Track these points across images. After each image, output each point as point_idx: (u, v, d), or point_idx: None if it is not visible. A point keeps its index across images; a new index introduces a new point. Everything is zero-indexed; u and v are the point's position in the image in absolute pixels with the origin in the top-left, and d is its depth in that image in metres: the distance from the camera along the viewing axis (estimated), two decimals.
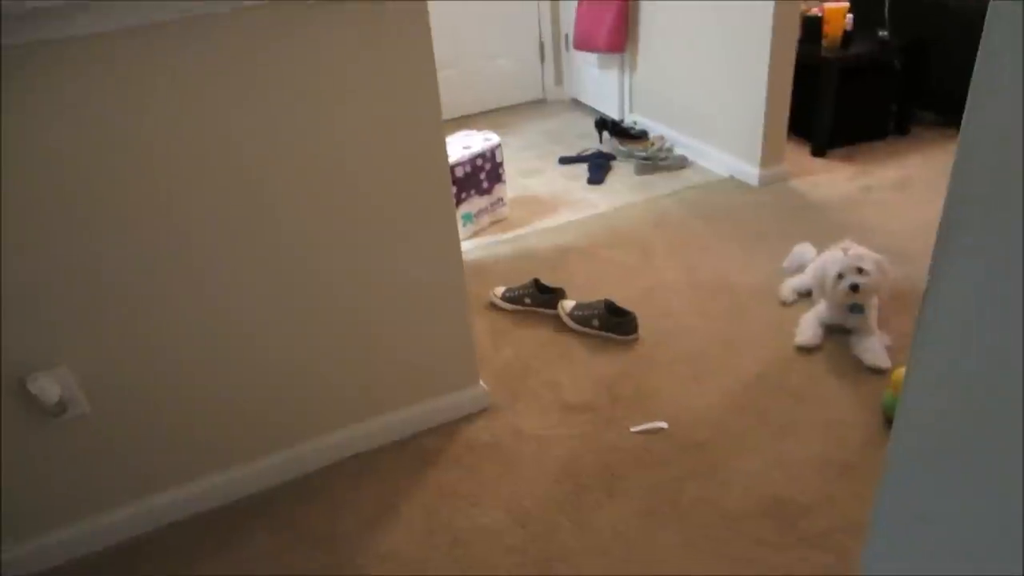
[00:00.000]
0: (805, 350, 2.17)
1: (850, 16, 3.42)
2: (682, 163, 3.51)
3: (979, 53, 0.52)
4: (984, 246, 0.54)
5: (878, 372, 2.05)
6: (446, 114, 2.28)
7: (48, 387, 1.51)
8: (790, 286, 2.44)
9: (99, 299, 1.52)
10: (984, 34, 0.51)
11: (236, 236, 1.58)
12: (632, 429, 1.93)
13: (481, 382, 2.05)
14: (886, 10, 3.71)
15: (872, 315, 2.17)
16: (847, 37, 3.41)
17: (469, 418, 2.03)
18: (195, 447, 1.76)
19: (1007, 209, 0.52)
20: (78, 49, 1.31)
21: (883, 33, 3.49)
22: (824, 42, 3.41)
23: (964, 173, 0.55)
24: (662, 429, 1.93)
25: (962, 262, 0.57)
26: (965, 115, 0.54)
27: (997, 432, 0.57)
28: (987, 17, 0.51)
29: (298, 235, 1.64)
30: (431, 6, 1.58)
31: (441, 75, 1.74)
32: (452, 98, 4.29)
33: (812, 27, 3.43)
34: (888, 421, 1.90)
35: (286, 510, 1.79)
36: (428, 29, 1.57)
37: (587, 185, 3.43)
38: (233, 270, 1.61)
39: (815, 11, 3.49)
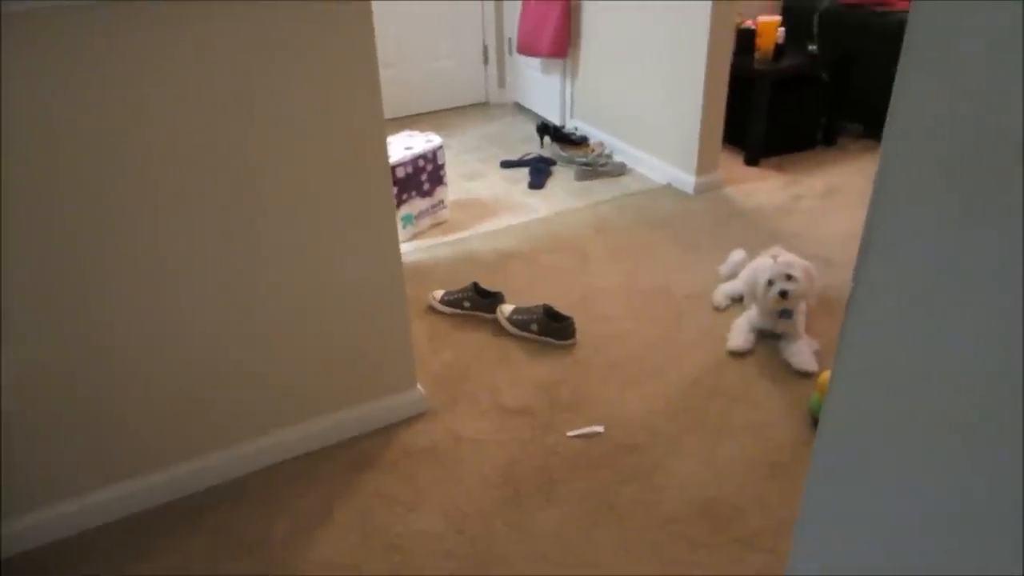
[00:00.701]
0: (737, 354, 2.23)
1: (782, 30, 3.52)
2: (621, 170, 3.56)
3: (899, 65, 0.54)
4: (903, 252, 0.57)
5: (806, 375, 2.12)
6: (388, 114, 2.26)
7: None
8: (723, 292, 2.50)
9: (29, 296, 1.45)
10: (903, 47, 0.53)
11: (171, 234, 1.54)
12: (569, 433, 1.95)
13: (419, 386, 2.03)
14: (815, 25, 3.84)
15: (800, 320, 2.24)
16: (779, 50, 3.52)
17: (407, 422, 2.01)
18: (127, 448, 1.70)
19: (924, 217, 0.54)
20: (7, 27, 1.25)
21: (812, 47, 3.62)
22: (757, 55, 3.51)
23: (885, 181, 0.58)
24: (599, 433, 1.95)
25: (883, 268, 0.59)
26: (886, 124, 0.56)
27: (917, 433, 0.60)
28: (906, 31, 0.53)
29: (234, 234, 1.60)
30: (375, 5, 1.57)
31: (384, 75, 1.72)
32: (394, 98, 4.26)
33: (746, 40, 3.53)
34: (815, 422, 1.96)
35: (219, 513, 1.75)
36: (371, 28, 1.56)
37: (528, 189, 3.44)
38: (168, 270, 1.56)
39: (749, 24, 3.59)
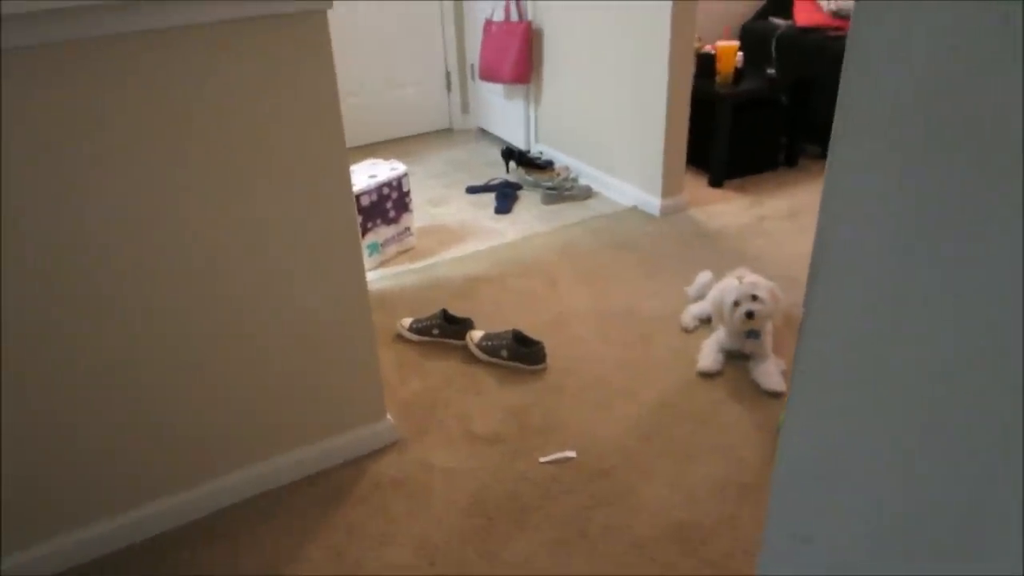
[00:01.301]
0: (707, 375, 2.24)
1: (740, 54, 3.60)
2: (587, 193, 3.58)
3: (840, 84, 0.55)
4: (849, 276, 0.57)
5: (775, 395, 2.14)
6: (352, 142, 2.25)
7: None
8: (691, 313, 2.52)
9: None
10: (844, 64, 0.54)
11: (134, 267, 1.51)
12: (541, 459, 1.94)
13: (389, 416, 2.01)
14: (773, 49, 3.93)
15: (767, 340, 2.27)
16: (738, 74, 3.59)
17: (377, 453, 1.99)
18: (87, 490, 1.65)
19: (867, 241, 0.55)
20: None
21: (771, 71, 3.70)
22: (717, 78, 3.58)
23: (829, 204, 0.59)
24: (571, 458, 1.94)
25: (831, 291, 0.60)
26: (830, 145, 0.57)
27: (871, 454, 0.60)
28: (845, 52, 0.54)
29: (196, 266, 1.58)
30: (334, 33, 1.57)
31: (346, 103, 1.72)
32: (358, 126, 4.26)
33: (706, 64, 3.60)
34: None
35: (185, 554, 1.70)
36: (330, 56, 1.55)
37: (494, 214, 3.45)
38: (131, 302, 1.53)
39: (708, 48, 3.66)
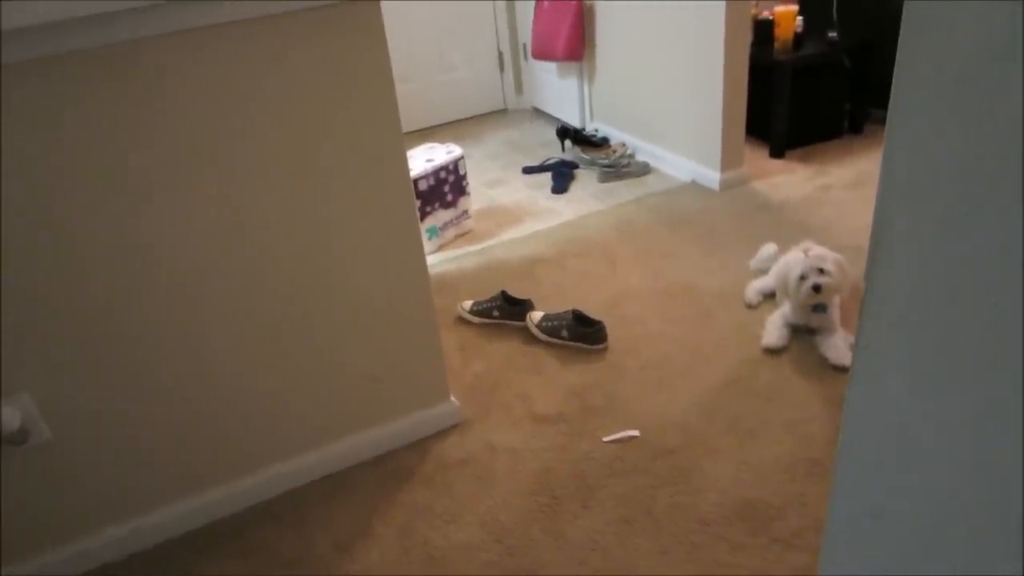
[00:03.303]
0: (772, 351, 2.20)
1: (800, 19, 3.48)
2: (644, 169, 3.54)
3: (898, 50, 0.53)
4: (909, 251, 0.56)
5: (843, 370, 2.09)
6: (407, 127, 2.27)
7: (9, 415, 1.48)
8: (755, 288, 2.47)
9: (61, 326, 1.49)
10: (901, 35, 0.52)
11: (199, 258, 1.56)
12: (604, 439, 1.94)
13: (452, 397, 2.04)
14: (834, 12, 3.79)
15: (835, 314, 2.21)
16: (798, 39, 3.48)
17: (441, 434, 2.02)
18: (161, 473, 1.73)
19: (933, 206, 0.53)
20: (26, 73, 1.29)
21: (832, 34, 3.57)
22: (776, 44, 3.48)
23: (888, 179, 0.57)
24: (634, 437, 1.94)
25: (892, 265, 0.58)
26: (887, 124, 0.55)
27: (937, 429, 0.59)
28: (903, 18, 0.52)
29: (261, 256, 1.62)
30: (387, 20, 1.58)
31: (401, 89, 1.73)
32: (413, 111, 4.29)
33: (764, 30, 3.49)
34: None
35: (257, 534, 1.77)
36: (384, 42, 1.57)
37: (551, 194, 3.44)
38: (197, 294, 1.59)
39: (766, 14, 3.55)
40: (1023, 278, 0.48)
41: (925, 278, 0.56)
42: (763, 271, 2.54)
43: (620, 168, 3.52)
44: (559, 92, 4.25)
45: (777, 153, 3.55)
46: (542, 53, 3.98)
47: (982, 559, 0.57)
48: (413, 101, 4.27)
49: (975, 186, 0.50)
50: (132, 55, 1.35)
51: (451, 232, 3.07)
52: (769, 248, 2.58)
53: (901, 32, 0.52)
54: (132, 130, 1.41)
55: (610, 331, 2.33)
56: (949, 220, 0.52)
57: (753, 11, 3.39)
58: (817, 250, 2.20)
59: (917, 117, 0.53)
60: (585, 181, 3.54)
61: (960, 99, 0.50)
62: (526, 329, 2.42)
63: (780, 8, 3.46)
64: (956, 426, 0.56)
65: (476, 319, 2.50)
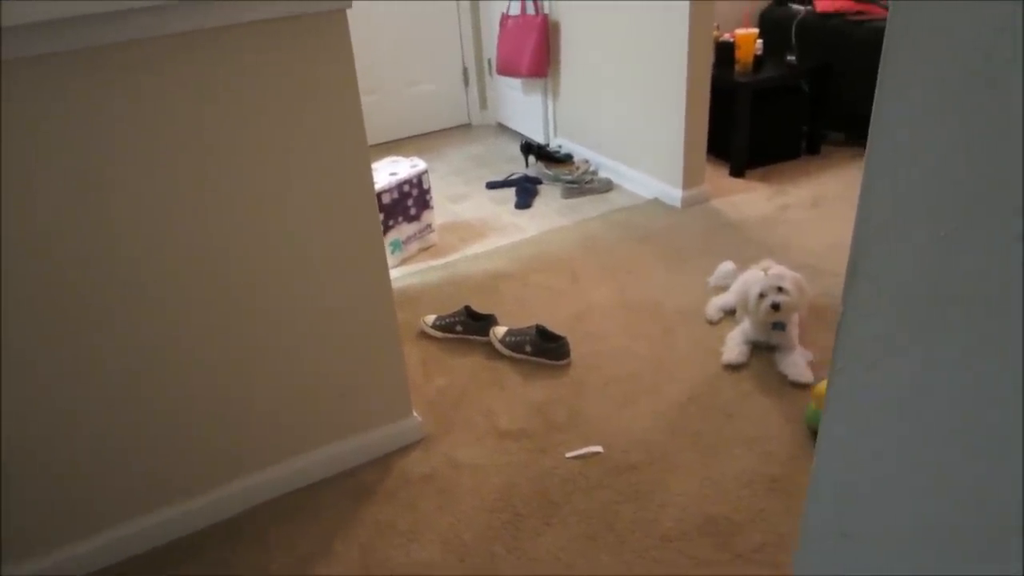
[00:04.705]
0: (732, 367, 2.23)
1: (760, 42, 3.56)
2: (607, 186, 3.57)
3: (879, 76, 0.54)
4: (889, 274, 0.57)
5: (801, 386, 2.12)
6: (371, 140, 2.26)
7: None
8: (715, 305, 2.50)
9: (11, 335, 1.43)
10: (883, 57, 0.53)
11: (158, 270, 1.53)
12: (567, 455, 1.94)
13: (415, 413, 2.02)
14: (793, 35, 3.88)
15: (793, 331, 2.24)
16: (758, 61, 3.55)
17: (404, 450, 1.99)
18: (116, 490, 1.67)
19: (910, 236, 0.54)
20: None
21: (791, 58, 3.65)
22: (737, 67, 3.55)
23: (869, 200, 0.58)
24: (597, 453, 1.94)
25: (870, 287, 0.59)
26: (868, 147, 0.56)
27: (911, 452, 0.59)
28: (884, 42, 0.53)
29: (221, 268, 1.59)
30: (352, 31, 1.57)
31: (365, 101, 1.72)
32: (377, 124, 4.27)
33: (725, 52, 3.56)
34: (812, 433, 1.96)
35: (216, 552, 1.72)
36: (350, 55, 1.56)
37: (515, 209, 3.45)
38: (155, 306, 1.55)
39: (727, 37, 3.63)
40: (999, 307, 0.49)
41: (901, 306, 0.57)
42: (722, 288, 2.58)
43: (583, 184, 3.54)
44: (523, 108, 4.27)
45: (737, 172, 3.61)
46: (507, 69, 4.00)
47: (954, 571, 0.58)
48: (378, 114, 4.26)
49: (953, 214, 0.51)
50: (98, 59, 1.32)
51: (414, 246, 3.06)
52: (727, 265, 2.62)
53: (881, 68, 0.53)
54: (91, 136, 1.37)
55: (573, 347, 2.34)
56: (927, 248, 0.53)
57: (715, 33, 3.46)
58: (776, 269, 2.24)
59: (896, 147, 0.54)
60: (549, 197, 3.56)
61: (938, 128, 0.51)
62: (489, 344, 2.41)
63: (741, 31, 3.54)
64: (926, 452, 0.57)
65: (439, 334, 2.48)
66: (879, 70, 0.56)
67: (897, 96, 0.53)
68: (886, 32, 0.53)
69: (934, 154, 0.51)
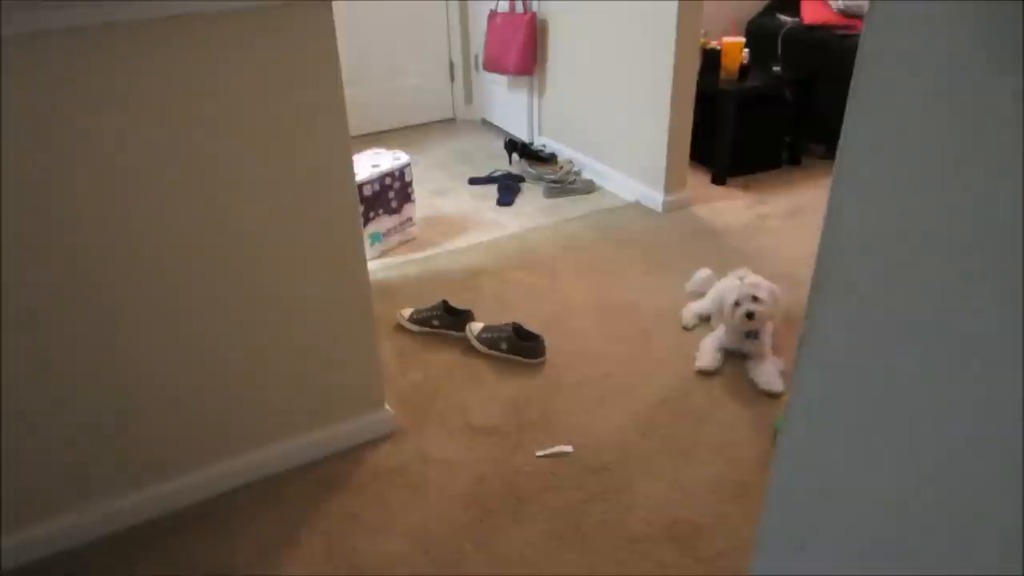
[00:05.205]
0: (705, 373, 2.25)
1: (746, 51, 3.59)
2: (590, 187, 3.58)
3: (850, 92, 0.55)
4: (852, 293, 0.58)
5: (772, 396, 2.14)
6: (355, 131, 2.25)
7: None
8: (692, 311, 2.52)
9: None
10: (854, 76, 0.54)
11: (133, 252, 1.51)
12: (538, 453, 1.95)
13: (387, 406, 2.01)
14: (779, 46, 3.92)
15: (767, 341, 2.27)
16: (743, 70, 3.58)
17: (375, 442, 1.99)
18: (78, 474, 1.65)
19: (870, 255, 0.55)
20: None
21: (776, 68, 3.69)
22: (722, 74, 3.57)
23: (834, 218, 0.59)
24: (567, 453, 1.95)
25: (834, 303, 0.60)
26: (835, 164, 0.57)
27: (867, 464, 0.61)
28: (856, 62, 0.54)
29: (196, 251, 1.58)
30: (339, 23, 1.56)
31: (350, 92, 1.71)
32: (361, 115, 4.24)
33: (711, 59, 3.59)
34: None
35: (180, 540, 1.71)
36: (335, 45, 1.55)
37: (496, 206, 3.45)
38: (129, 286, 1.54)
39: (714, 44, 3.65)
40: (955, 331, 0.50)
41: (862, 327, 0.58)
42: (699, 294, 2.60)
43: (566, 184, 3.55)
44: (509, 105, 4.27)
45: (719, 180, 3.64)
46: (493, 65, 4.00)
47: None
48: (361, 105, 4.22)
49: (921, 229, 0.52)
50: (80, 41, 1.30)
51: (394, 239, 3.05)
52: (703, 272, 2.64)
53: (855, 72, 0.54)
54: (71, 117, 1.35)
55: (549, 345, 2.35)
56: (887, 268, 0.54)
57: (701, 40, 3.48)
58: (752, 278, 2.26)
59: (864, 170, 0.55)
60: (531, 195, 3.56)
61: (909, 141, 0.52)
62: (465, 340, 2.41)
63: (728, 39, 3.56)
64: (880, 468, 0.58)
65: (415, 327, 2.48)
66: (848, 94, 0.57)
67: (863, 121, 0.54)
68: (858, 52, 0.54)
69: (898, 179, 0.52)
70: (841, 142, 0.56)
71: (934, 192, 0.50)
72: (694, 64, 3.09)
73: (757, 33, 4.10)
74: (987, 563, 0.51)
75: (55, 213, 1.41)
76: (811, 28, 3.88)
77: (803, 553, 0.68)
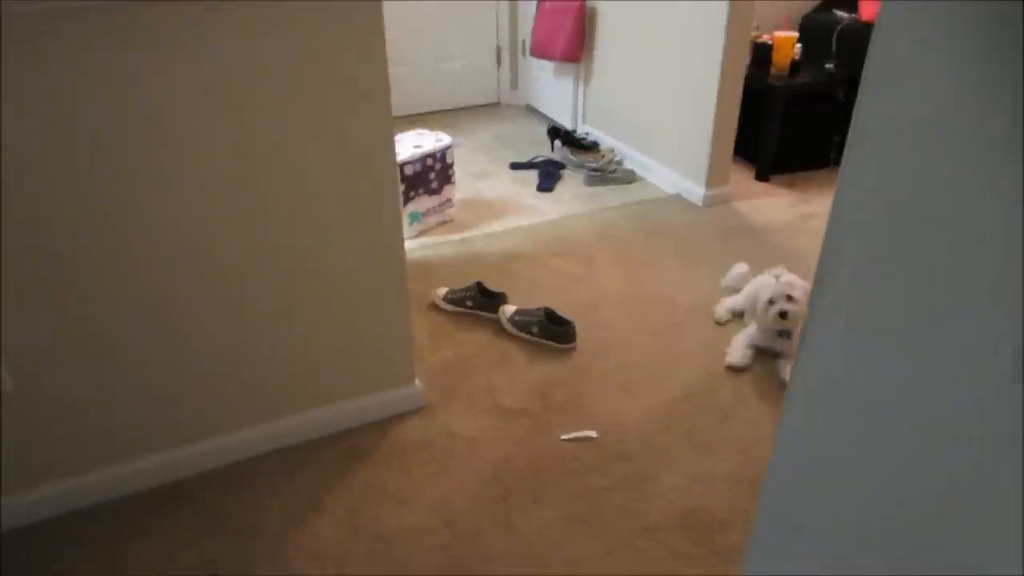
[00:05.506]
0: (735, 369, 2.24)
1: (799, 46, 3.53)
2: (631, 177, 3.57)
3: (854, 110, 0.56)
4: (851, 284, 0.59)
5: None
6: (399, 111, 2.28)
7: None
8: (725, 306, 2.51)
9: (31, 278, 1.48)
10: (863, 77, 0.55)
11: (176, 224, 1.56)
12: (563, 437, 1.97)
13: (417, 381, 2.05)
14: (834, 42, 3.85)
15: (798, 341, 2.25)
16: (795, 66, 3.53)
17: (404, 416, 2.03)
18: (120, 431, 1.72)
19: (873, 252, 0.56)
20: (28, 25, 1.28)
21: (829, 65, 3.62)
22: (772, 69, 3.52)
23: (840, 211, 0.60)
24: (592, 438, 1.97)
25: (834, 299, 0.61)
26: (843, 157, 0.58)
27: (861, 451, 0.62)
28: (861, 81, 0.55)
29: (239, 224, 1.63)
30: (387, 4, 1.59)
31: (396, 72, 1.74)
32: (406, 96, 4.28)
33: (762, 54, 3.54)
34: None
35: (211, 498, 1.77)
36: (381, 26, 1.58)
37: (536, 192, 3.46)
38: (171, 257, 1.59)
39: (765, 38, 3.60)
40: (940, 318, 0.51)
41: (859, 322, 0.59)
42: (735, 289, 2.59)
43: (607, 173, 3.55)
44: (554, 92, 4.27)
45: (763, 176, 3.60)
46: (540, 51, 4.00)
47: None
48: (407, 86, 4.26)
49: (918, 233, 0.53)
50: (132, 16, 1.35)
51: (433, 219, 3.08)
52: (740, 267, 2.63)
53: (863, 78, 0.55)
54: (125, 92, 1.40)
55: (580, 332, 2.36)
56: (884, 268, 0.55)
57: (753, 34, 3.44)
58: (788, 277, 2.25)
59: (868, 167, 0.56)
60: (571, 183, 3.57)
61: (909, 147, 0.53)
62: (498, 322, 2.44)
63: (780, 34, 3.51)
64: (873, 454, 0.59)
65: (449, 307, 2.51)
66: (857, 94, 0.57)
67: (870, 126, 0.55)
68: (866, 60, 0.55)
69: (897, 180, 0.53)
70: (848, 141, 0.57)
71: (931, 193, 0.51)
72: (743, 58, 3.06)
73: (812, 28, 4.03)
74: (970, 547, 0.52)
75: (107, 187, 1.47)
76: (869, 26, 3.79)
77: (798, 535, 0.70)
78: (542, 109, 4.45)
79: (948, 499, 0.53)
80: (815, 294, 0.63)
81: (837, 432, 0.64)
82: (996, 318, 0.47)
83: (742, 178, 3.59)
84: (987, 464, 0.50)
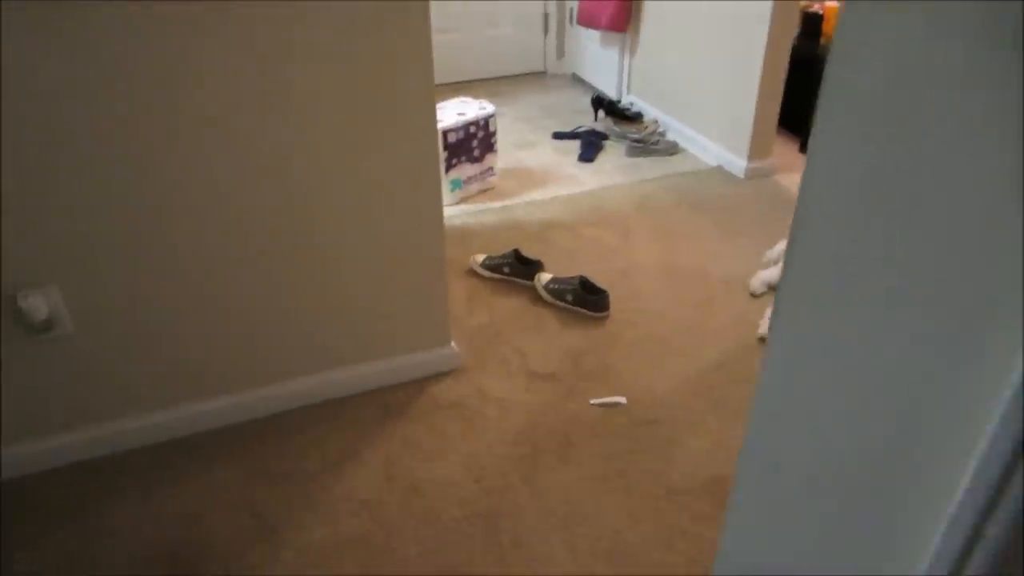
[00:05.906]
0: (766, 341, 2.26)
1: None
2: (673, 149, 3.56)
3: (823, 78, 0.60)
4: (822, 241, 0.63)
5: None
6: (443, 79, 2.31)
7: (37, 305, 1.58)
8: (761, 279, 2.52)
9: (93, 224, 1.58)
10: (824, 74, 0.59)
11: (227, 180, 1.64)
12: (592, 401, 2.02)
13: (453, 343, 2.12)
14: None
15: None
16: None
17: (438, 376, 2.11)
18: (172, 377, 1.83)
19: (839, 210, 0.60)
20: None
21: None
22: (822, 40, 3.46)
23: (810, 180, 0.64)
24: (620, 404, 2.02)
25: (807, 252, 0.65)
26: (813, 127, 0.62)
27: (834, 393, 0.66)
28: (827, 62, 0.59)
29: (285, 183, 1.70)
30: None
31: (442, 39, 1.78)
32: (451, 63, 4.31)
33: (812, 24, 3.48)
34: None
35: (253, 445, 1.87)
36: None
37: (578, 162, 3.48)
38: (223, 211, 1.67)
39: (816, 8, 3.53)
40: (901, 278, 0.55)
41: (833, 264, 0.64)
42: (776, 263, 2.59)
43: (649, 145, 3.55)
44: (599, 61, 4.26)
45: (807, 149, 3.55)
46: (587, 20, 3.99)
47: (864, 519, 0.65)
48: (452, 53, 4.29)
49: (879, 195, 0.56)
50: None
51: (474, 187, 3.13)
52: (783, 244, 2.63)
53: (828, 62, 0.58)
54: (183, 61, 1.47)
55: (614, 302, 2.40)
56: (854, 217, 0.59)
57: (803, 4, 3.38)
58: None
59: (833, 132, 0.60)
60: (612, 153, 3.58)
61: (869, 121, 0.56)
62: (533, 288, 2.49)
63: (831, 3, 3.45)
64: (847, 395, 0.64)
65: (486, 273, 2.57)
66: (823, 73, 0.61)
67: (833, 103, 0.59)
68: (832, 40, 0.58)
69: (864, 155, 0.57)
70: (816, 114, 0.61)
71: (899, 156, 0.54)
72: (791, 28, 3.01)
73: None
74: (920, 487, 0.56)
75: (156, 150, 1.55)
76: None
77: (777, 473, 0.74)
78: (587, 78, 4.45)
79: (884, 453, 0.58)
80: (790, 249, 0.68)
81: (811, 375, 0.68)
82: (956, 279, 0.51)
83: (786, 151, 3.55)
84: (932, 409, 0.54)
